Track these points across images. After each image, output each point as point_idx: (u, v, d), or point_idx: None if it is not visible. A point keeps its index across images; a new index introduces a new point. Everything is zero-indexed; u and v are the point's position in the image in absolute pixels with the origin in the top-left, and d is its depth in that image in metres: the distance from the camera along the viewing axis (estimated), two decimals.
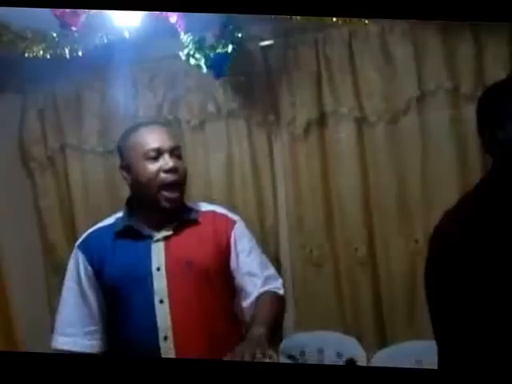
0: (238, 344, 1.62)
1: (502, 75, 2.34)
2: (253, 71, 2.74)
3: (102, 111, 2.96)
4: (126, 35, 2.34)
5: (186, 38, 2.38)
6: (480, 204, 1.47)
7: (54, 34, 2.40)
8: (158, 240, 1.92)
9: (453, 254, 1.45)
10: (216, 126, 2.81)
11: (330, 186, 2.71)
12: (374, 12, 1.66)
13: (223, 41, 2.43)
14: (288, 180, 2.78)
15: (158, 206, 1.90)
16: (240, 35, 2.49)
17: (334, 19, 2.38)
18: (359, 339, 2.60)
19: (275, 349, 1.63)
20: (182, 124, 2.85)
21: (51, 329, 2.83)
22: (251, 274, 1.96)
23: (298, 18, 2.35)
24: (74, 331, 1.94)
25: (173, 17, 2.23)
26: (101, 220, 2.05)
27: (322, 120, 2.68)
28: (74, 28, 2.18)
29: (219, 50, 2.40)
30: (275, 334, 1.79)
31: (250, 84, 2.74)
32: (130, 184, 1.96)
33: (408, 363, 2.44)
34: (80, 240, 2.01)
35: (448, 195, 2.42)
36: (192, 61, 2.43)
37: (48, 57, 2.38)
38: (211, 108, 2.78)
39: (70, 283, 1.97)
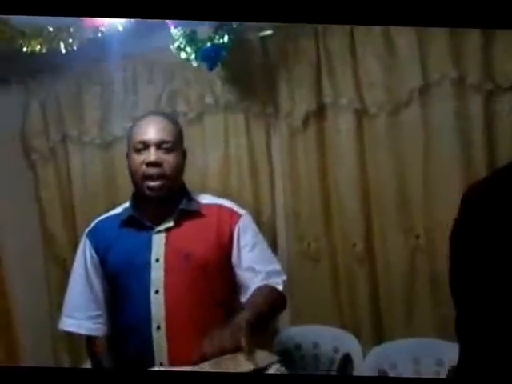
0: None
1: (510, 66, 2.33)
2: (252, 62, 2.73)
3: (102, 104, 3.00)
4: (120, 28, 2.35)
5: (176, 31, 2.39)
6: None
7: (51, 29, 2.43)
8: (159, 231, 1.96)
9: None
10: (214, 119, 2.82)
11: (328, 179, 2.69)
12: (377, 19, 1.67)
13: (220, 32, 2.43)
14: (286, 173, 2.77)
15: (144, 195, 1.95)
16: (238, 25, 2.49)
17: None
18: (356, 334, 2.59)
19: (260, 339, 1.64)
20: (179, 117, 2.84)
21: (50, 317, 2.93)
22: (252, 270, 1.97)
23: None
24: (79, 315, 2.03)
25: None
26: (100, 211, 2.16)
27: (321, 112, 2.66)
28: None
29: (215, 41, 2.41)
30: (262, 324, 1.79)
31: (249, 75, 2.74)
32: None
33: (404, 361, 2.45)
34: (88, 228, 2.09)
35: (450, 190, 2.40)
36: (182, 54, 2.45)
37: (44, 51, 2.42)
38: (209, 100, 2.79)
39: (77, 269, 2.06)
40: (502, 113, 2.38)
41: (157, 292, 1.90)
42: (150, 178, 1.92)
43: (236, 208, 2.06)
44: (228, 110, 2.79)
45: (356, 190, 2.62)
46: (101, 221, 2.10)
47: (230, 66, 2.69)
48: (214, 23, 2.46)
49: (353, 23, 2.43)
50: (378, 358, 2.49)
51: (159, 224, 1.97)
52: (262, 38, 2.71)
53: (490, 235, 1.49)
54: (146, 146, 1.93)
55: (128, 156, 2.00)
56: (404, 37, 2.49)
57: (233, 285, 2.00)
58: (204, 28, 2.45)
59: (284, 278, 2.03)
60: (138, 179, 1.94)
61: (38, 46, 2.44)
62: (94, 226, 2.09)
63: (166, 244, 1.95)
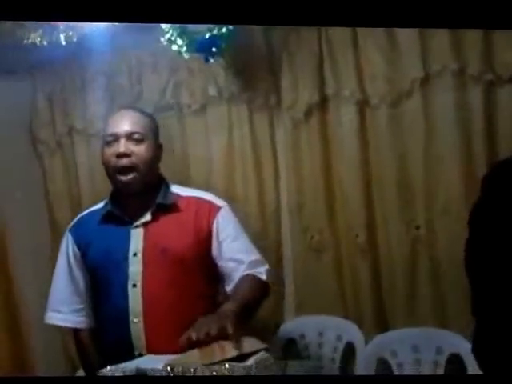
0: None
1: (510, 57, 2.40)
2: (254, 53, 2.83)
3: (108, 96, 3.10)
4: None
5: (165, 24, 2.46)
6: None
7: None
8: (137, 226, 2.03)
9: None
10: (217, 110, 2.92)
11: (331, 171, 2.79)
12: (377, 21, 1.74)
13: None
14: (289, 165, 2.86)
15: (118, 189, 2.04)
16: None
17: None
18: (359, 324, 2.70)
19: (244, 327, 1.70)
20: (183, 108, 2.96)
21: None
22: (235, 260, 2.03)
23: None
24: (64, 308, 2.12)
25: None
26: None
27: (323, 103, 2.76)
28: None
29: (215, 32, 2.47)
30: (247, 313, 1.84)
31: (252, 66, 2.84)
32: None
33: (404, 349, 2.54)
34: (71, 224, 2.18)
35: (451, 181, 2.51)
36: (174, 47, 2.52)
37: (45, 43, 2.50)
38: (212, 91, 2.89)
39: (61, 264, 2.15)
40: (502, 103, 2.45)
41: (134, 286, 1.98)
42: (122, 171, 1.98)
43: (215, 200, 2.11)
44: (231, 101, 2.89)
45: (358, 181, 2.72)
46: (83, 216, 2.19)
47: (232, 57, 2.79)
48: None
49: (354, 25, 2.50)
50: (378, 347, 2.61)
51: (137, 218, 2.03)
52: (265, 29, 2.79)
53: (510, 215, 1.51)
54: (116, 138, 2.01)
55: (101, 152, 2.07)
56: (405, 29, 2.55)
57: (214, 277, 2.07)
58: None
59: (266, 267, 2.08)
60: (110, 173, 2.02)
61: (38, 39, 2.50)
62: (77, 222, 2.19)
63: (145, 238, 2.01)
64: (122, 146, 1.98)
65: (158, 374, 1.45)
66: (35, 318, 2.98)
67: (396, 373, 2.53)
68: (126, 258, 1.99)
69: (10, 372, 2.89)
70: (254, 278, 2.00)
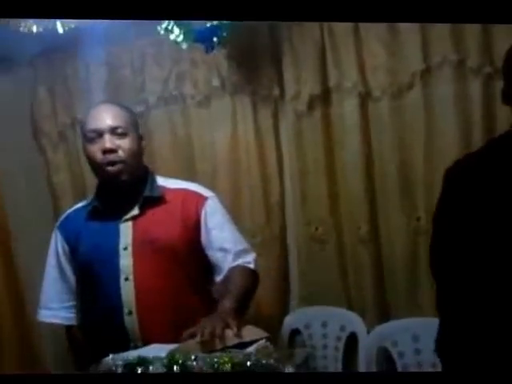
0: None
1: None
2: (258, 44, 2.92)
3: (110, 87, 3.17)
4: None
5: None
6: (503, 151, 1.65)
7: None
8: (126, 220, 2.11)
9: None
10: (221, 102, 3.01)
11: (334, 162, 2.89)
12: (378, 15, 1.80)
13: None
14: (292, 157, 2.96)
15: (108, 184, 2.10)
16: None
17: None
18: (361, 314, 2.83)
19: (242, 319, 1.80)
20: (187, 100, 3.06)
21: None
22: (223, 250, 2.12)
23: None
24: (54, 305, 2.23)
25: None
26: None
27: (325, 95, 2.85)
28: None
29: (215, 22, 2.51)
30: (244, 306, 1.95)
31: (255, 58, 2.93)
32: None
33: (405, 339, 2.65)
34: (59, 221, 2.28)
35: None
36: (171, 36, 2.56)
37: (41, 31, 2.52)
38: (216, 83, 2.98)
39: (50, 261, 2.25)
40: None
41: (126, 279, 2.06)
42: (109, 164, 2.05)
43: (202, 191, 2.20)
44: (235, 92, 2.98)
45: (360, 172, 2.82)
46: (70, 213, 2.28)
47: (235, 48, 2.89)
48: None
49: (356, 21, 2.60)
50: (380, 336, 2.74)
51: (125, 212, 2.11)
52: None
53: (472, 212, 1.63)
54: (99, 133, 2.06)
55: (83, 148, 2.14)
56: None
57: (205, 266, 2.16)
58: None
59: (254, 255, 2.17)
60: (97, 168, 2.09)
61: (34, 26, 2.52)
62: (65, 218, 2.27)
63: (134, 232, 2.09)
64: (108, 141, 2.05)
65: (160, 363, 1.52)
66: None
67: (397, 361, 2.65)
68: (117, 252, 2.08)
69: (18, 366, 2.95)
70: (244, 269, 2.09)
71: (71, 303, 2.22)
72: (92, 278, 2.11)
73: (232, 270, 2.07)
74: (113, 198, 2.13)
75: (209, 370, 1.46)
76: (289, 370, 1.47)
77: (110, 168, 2.05)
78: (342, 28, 2.75)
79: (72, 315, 2.22)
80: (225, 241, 2.13)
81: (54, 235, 2.24)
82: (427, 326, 2.60)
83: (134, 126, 2.14)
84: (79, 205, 2.28)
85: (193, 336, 1.71)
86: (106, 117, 2.08)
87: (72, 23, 2.51)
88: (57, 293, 2.22)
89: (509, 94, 1.70)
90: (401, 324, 2.71)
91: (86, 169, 3.20)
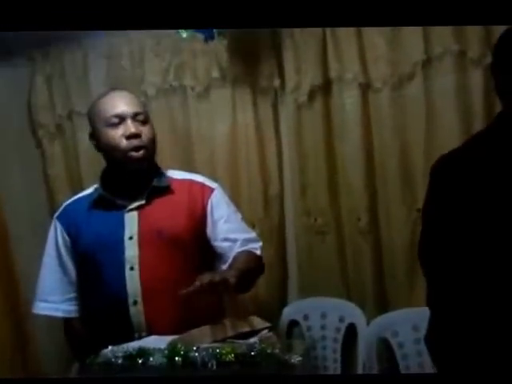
0: (212, 309, 1.74)
1: None
2: (258, 35, 2.85)
3: (109, 78, 3.11)
4: None
5: None
6: (487, 146, 1.61)
7: None
8: (131, 209, 2.07)
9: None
10: (221, 93, 2.96)
11: (334, 153, 2.85)
12: (377, 20, 1.77)
13: None
14: (292, 148, 2.92)
15: (126, 170, 2.05)
16: None
17: None
18: (360, 305, 2.79)
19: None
20: (187, 90, 3.00)
21: None
22: (229, 240, 2.10)
23: None
24: (54, 298, 2.15)
25: None
26: None
27: (326, 86, 2.81)
28: None
29: None
30: (244, 283, 1.87)
31: (255, 49, 2.88)
32: (98, 151, 2.13)
33: (405, 329, 2.62)
34: (59, 211, 2.21)
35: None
36: None
37: None
38: (215, 74, 2.93)
39: (50, 253, 2.17)
40: None
41: (132, 269, 2.01)
42: (134, 149, 2.02)
43: (207, 182, 2.18)
44: (235, 83, 2.93)
45: (360, 164, 2.78)
46: (70, 203, 2.22)
47: (235, 39, 2.84)
48: None
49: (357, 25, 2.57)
50: (380, 327, 2.70)
51: (131, 202, 2.07)
52: None
53: (458, 206, 1.61)
54: (121, 119, 2.03)
55: (96, 134, 2.08)
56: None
57: (210, 257, 2.13)
58: None
59: (260, 243, 2.15)
60: (118, 154, 2.04)
61: None
62: (64, 209, 2.21)
63: (139, 222, 2.05)
64: (132, 126, 2.02)
65: (160, 354, 1.47)
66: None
67: (396, 352, 2.61)
68: (122, 242, 2.03)
69: (12, 359, 2.90)
70: (250, 253, 2.07)
71: (71, 295, 2.15)
72: (95, 269, 2.06)
73: (238, 253, 2.05)
74: (120, 188, 2.09)
75: (211, 361, 1.42)
76: (294, 360, 1.42)
77: (133, 153, 2.02)
78: None
79: (73, 307, 2.15)
80: (231, 231, 2.10)
81: (52, 226, 2.18)
82: (427, 316, 2.60)
83: (149, 115, 2.14)
84: (79, 195, 2.23)
85: (194, 287, 1.67)
86: (127, 102, 2.06)
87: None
88: (56, 285, 2.15)
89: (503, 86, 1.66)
90: (401, 314, 2.67)
91: (83, 161, 3.22)
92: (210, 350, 1.46)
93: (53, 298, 2.14)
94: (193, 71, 2.97)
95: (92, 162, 3.14)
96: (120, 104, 2.05)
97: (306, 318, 2.87)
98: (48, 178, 3.32)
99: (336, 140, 2.82)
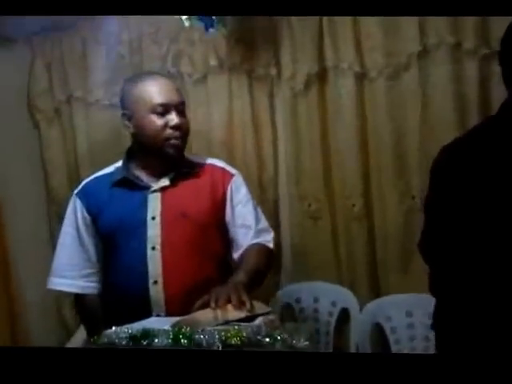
0: None
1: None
2: (255, 24, 2.82)
3: (107, 64, 3.06)
4: None
5: None
6: (491, 136, 1.59)
7: None
8: (154, 191, 2.05)
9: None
10: (218, 80, 2.91)
11: (329, 141, 2.82)
12: (374, 9, 1.74)
13: None
14: (288, 134, 2.88)
15: (161, 155, 2.02)
16: None
17: None
18: (353, 290, 2.76)
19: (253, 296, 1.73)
20: (184, 77, 2.95)
21: None
22: (245, 226, 2.09)
23: None
24: (71, 274, 2.12)
25: None
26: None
27: (322, 75, 2.77)
28: None
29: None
30: (257, 283, 1.91)
31: (253, 37, 2.84)
32: (131, 133, 2.09)
33: (398, 314, 2.61)
34: (79, 188, 2.17)
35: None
36: None
37: None
38: (213, 62, 2.89)
39: (68, 229, 2.14)
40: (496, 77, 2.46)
41: (153, 248, 2.00)
42: (174, 138, 2.01)
43: (228, 167, 2.17)
44: (232, 71, 2.89)
45: (355, 151, 2.74)
46: (91, 181, 2.18)
47: (233, 28, 2.79)
48: None
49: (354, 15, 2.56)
50: (373, 312, 2.68)
51: (155, 183, 2.06)
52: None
53: (462, 197, 1.60)
54: (167, 107, 2.00)
55: (134, 117, 2.03)
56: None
57: (226, 241, 2.12)
58: None
59: (272, 235, 2.15)
60: (157, 141, 2.00)
61: None
62: (85, 186, 2.17)
63: (162, 203, 2.03)
64: (176, 117, 2.00)
65: (165, 336, 1.43)
66: (28, 284, 2.98)
67: (389, 336, 2.61)
68: (144, 222, 2.00)
69: (2, 336, 2.85)
70: (262, 247, 2.06)
71: (88, 272, 2.12)
72: (116, 247, 2.04)
73: (250, 247, 2.04)
74: (144, 169, 2.07)
75: (217, 343, 1.39)
76: (301, 344, 1.39)
77: (173, 142, 2.00)
78: None
79: (89, 284, 2.12)
80: (247, 218, 2.10)
81: (71, 202, 2.14)
82: (420, 301, 2.59)
83: None
84: (100, 173, 2.17)
85: (205, 305, 1.64)
86: (172, 91, 2.03)
87: None
88: (73, 261, 2.11)
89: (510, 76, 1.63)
90: (394, 299, 2.65)
91: (80, 146, 3.19)
92: (216, 333, 1.43)
93: (69, 273, 2.11)
94: (190, 59, 2.92)
95: (89, 146, 3.17)
96: (166, 92, 2.01)
97: (298, 301, 2.84)
98: (44, 162, 3.28)
99: (331, 127, 2.79)
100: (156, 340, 1.43)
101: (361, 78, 2.70)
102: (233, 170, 2.16)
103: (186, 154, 2.14)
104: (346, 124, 2.73)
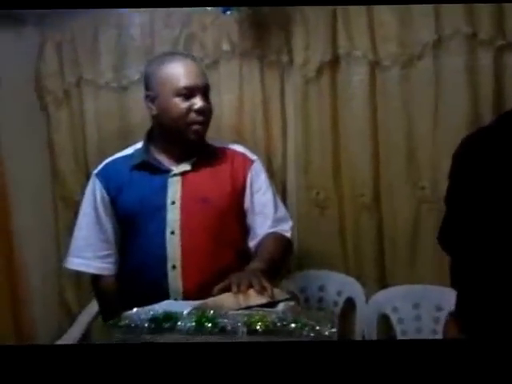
0: None
1: None
2: (269, 9, 2.74)
3: (118, 47, 3.00)
4: None
5: None
6: None
7: None
8: (175, 175, 1.98)
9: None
10: (229, 65, 2.84)
11: (339, 129, 2.75)
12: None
13: None
14: (298, 122, 2.81)
15: (182, 139, 1.96)
16: None
17: None
18: (360, 280, 2.69)
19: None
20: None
21: (58, 257, 2.92)
22: (263, 214, 2.02)
23: None
24: (88, 254, 2.06)
25: None
26: (113, 155, 2.13)
27: (335, 63, 2.70)
28: None
29: None
30: (274, 272, 1.83)
31: (266, 23, 2.76)
32: (153, 115, 2.01)
33: (405, 305, 2.55)
34: (98, 168, 2.10)
35: (458, 144, 2.44)
36: None
37: None
38: (226, 47, 2.82)
39: (86, 209, 2.07)
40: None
41: (172, 233, 1.94)
42: (198, 123, 1.94)
43: (248, 153, 2.10)
44: (244, 57, 2.82)
45: (366, 140, 2.68)
46: (111, 162, 2.10)
47: (246, 14, 2.72)
48: None
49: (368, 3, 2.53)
50: (380, 302, 2.62)
51: (175, 167, 2.00)
52: None
53: (482, 186, 1.54)
54: (192, 91, 1.92)
55: (158, 99, 1.96)
56: None
57: (244, 228, 2.06)
58: None
59: (291, 223, 2.08)
60: (181, 125, 1.93)
61: None
62: (105, 167, 2.10)
63: (182, 187, 1.97)
64: (201, 101, 1.93)
65: (188, 319, 1.37)
66: (31, 263, 2.92)
67: (396, 327, 2.55)
68: (164, 206, 1.95)
69: (3, 316, 2.78)
70: (279, 237, 1.99)
71: (105, 253, 2.06)
72: (135, 230, 1.98)
73: (267, 235, 1.97)
74: (164, 153, 2.01)
75: (242, 328, 1.33)
76: (327, 332, 1.33)
77: (197, 127, 1.93)
78: None
79: (105, 265, 2.06)
80: (266, 206, 2.03)
81: (91, 182, 2.06)
82: (428, 293, 2.54)
83: None
84: (120, 154, 2.10)
85: (226, 290, 1.58)
86: (198, 74, 1.96)
87: None
88: (90, 241, 2.05)
89: None
90: (401, 290, 2.59)
91: (89, 128, 3.11)
92: (239, 317, 1.37)
93: (86, 254, 2.05)
94: (202, 43, 2.85)
95: (98, 129, 3.09)
96: (192, 75, 1.93)
97: (303, 290, 2.77)
98: (51, 144, 3.19)
99: (341, 116, 2.72)
100: (179, 323, 1.37)
101: (374, 66, 2.62)
102: (253, 156, 2.09)
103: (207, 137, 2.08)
104: (356, 112, 2.66)
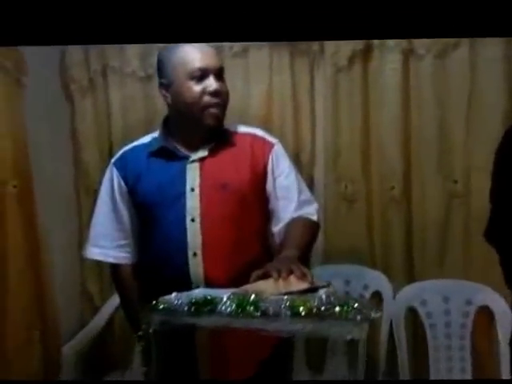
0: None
1: None
2: None
3: None
4: None
5: None
6: None
7: None
8: (193, 161, 1.91)
9: None
10: (258, 54, 2.77)
11: (370, 120, 2.67)
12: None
13: None
14: (327, 112, 2.74)
15: (199, 124, 1.88)
16: None
17: None
18: (387, 274, 2.62)
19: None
20: (224, 50, 2.79)
21: (79, 246, 2.86)
22: (286, 198, 1.94)
23: None
24: (105, 243, 2.01)
25: None
26: None
27: (367, 52, 2.63)
28: None
29: None
30: (306, 258, 1.77)
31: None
32: (169, 103, 1.95)
33: (434, 299, 2.49)
34: (116, 157, 2.04)
35: (491, 137, 2.36)
36: None
37: None
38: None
39: (104, 198, 2.02)
40: None
41: (193, 220, 1.87)
42: (214, 106, 1.86)
43: (268, 137, 2.01)
44: (273, 45, 2.74)
45: (397, 132, 2.61)
46: (128, 150, 2.04)
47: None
48: None
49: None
50: (408, 296, 2.56)
51: (193, 153, 1.93)
52: None
53: None
54: (205, 72, 1.85)
55: (172, 85, 1.89)
56: None
57: (266, 214, 1.98)
58: None
59: (316, 205, 1.99)
60: (195, 109, 1.86)
61: None
62: (122, 155, 2.03)
63: (201, 173, 1.90)
64: (215, 83, 1.85)
65: (229, 303, 1.31)
66: (55, 253, 2.87)
67: (425, 322, 2.48)
68: (183, 193, 1.87)
69: (28, 306, 2.73)
70: (306, 220, 1.91)
71: (123, 242, 2.00)
72: (154, 219, 1.91)
73: (294, 220, 1.88)
74: (181, 139, 1.93)
75: (285, 311, 1.27)
76: (374, 315, 1.27)
77: (213, 110, 1.85)
78: None
79: (124, 254, 2.00)
80: (289, 190, 1.94)
81: (108, 171, 2.00)
82: (458, 288, 2.47)
83: None
84: (137, 142, 2.03)
85: (264, 277, 1.51)
86: (211, 55, 1.88)
87: None
88: (108, 231, 1.99)
89: None
90: (430, 284, 2.52)
91: (114, 117, 3.03)
92: (281, 301, 1.31)
93: (104, 243, 2.00)
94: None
95: (123, 118, 3.02)
96: (205, 56, 1.86)
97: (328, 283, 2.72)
98: (76, 134, 3.12)
99: (373, 106, 2.64)
100: (219, 306, 1.31)
101: (408, 54, 2.55)
102: (273, 140, 2.00)
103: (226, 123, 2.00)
104: (388, 102, 2.59)
